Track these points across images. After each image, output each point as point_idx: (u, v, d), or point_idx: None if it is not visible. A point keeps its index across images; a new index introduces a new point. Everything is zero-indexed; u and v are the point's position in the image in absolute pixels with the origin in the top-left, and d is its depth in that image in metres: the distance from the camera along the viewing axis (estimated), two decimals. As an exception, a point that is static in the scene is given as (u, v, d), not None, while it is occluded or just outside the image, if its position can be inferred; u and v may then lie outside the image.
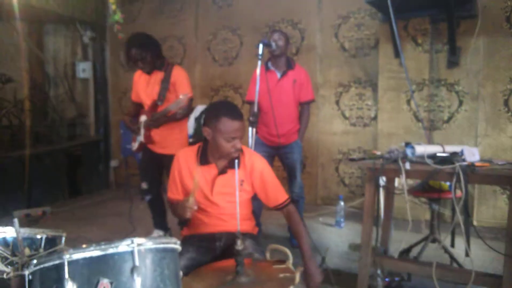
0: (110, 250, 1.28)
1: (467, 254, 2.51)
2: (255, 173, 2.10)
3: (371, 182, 2.49)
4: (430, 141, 4.01)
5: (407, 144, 2.39)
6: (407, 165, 2.28)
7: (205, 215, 2.13)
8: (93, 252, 1.27)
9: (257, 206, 2.79)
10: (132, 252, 1.29)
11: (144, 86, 3.38)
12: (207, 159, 2.09)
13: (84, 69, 5.98)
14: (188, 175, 2.11)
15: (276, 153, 3.58)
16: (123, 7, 4.88)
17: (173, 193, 2.18)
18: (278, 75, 3.44)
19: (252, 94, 3.24)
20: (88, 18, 5.84)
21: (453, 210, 2.69)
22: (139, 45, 3.18)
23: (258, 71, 3.12)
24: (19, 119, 5.41)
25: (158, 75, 3.31)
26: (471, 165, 2.17)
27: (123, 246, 1.29)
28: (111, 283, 1.25)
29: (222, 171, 2.08)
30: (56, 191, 5.41)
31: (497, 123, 3.95)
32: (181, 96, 3.06)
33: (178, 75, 3.29)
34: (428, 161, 2.26)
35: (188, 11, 5.64)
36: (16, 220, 1.50)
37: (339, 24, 4.74)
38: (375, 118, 4.57)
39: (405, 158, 2.34)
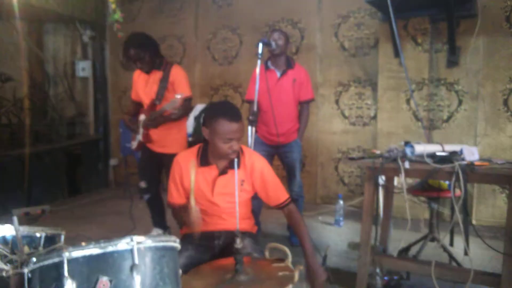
0: (110, 248, 1.28)
1: (466, 253, 2.52)
2: (255, 173, 2.10)
3: (370, 181, 2.49)
4: (429, 140, 4.01)
5: (407, 143, 2.40)
6: (407, 164, 2.28)
7: (205, 214, 2.13)
8: (93, 250, 1.27)
9: (256, 205, 2.79)
10: (131, 250, 1.30)
11: (143, 86, 3.38)
12: (208, 160, 2.09)
13: (83, 68, 5.98)
14: (190, 177, 2.11)
15: (276, 152, 3.58)
16: (123, 6, 4.88)
17: (174, 197, 2.17)
18: (278, 74, 3.44)
19: (252, 93, 3.24)
20: (87, 17, 5.84)
21: (452, 209, 2.69)
22: (138, 45, 3.18)
23: (257, 70, 3.11)
24: (19, 118, 5.41)
25: (157, 75, 3.30)
26: (471, 164, 2.17)
27: (123, 244, 1.29)
28: (111, 281, 1.25)
29: (222, 172, 2.08)
30: (56, 190, 5.41)
31: (496, 122, 3.95)
32: (176, 96, 3.06)
33: (177, 74, 3.29)
34: (428, 160, 2.26)
35: (188, 10, 5.64)
36: (15, 218, 1.50)
37: (339, 23, 4.75)
38: (374, 117, 4.57)
39: (404, 157, 2.35)
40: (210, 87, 5.57)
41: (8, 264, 1.45)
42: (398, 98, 4.25)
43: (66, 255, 1.25)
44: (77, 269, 1.26)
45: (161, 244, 1.39)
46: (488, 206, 4.03)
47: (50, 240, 1.75)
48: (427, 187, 2.75)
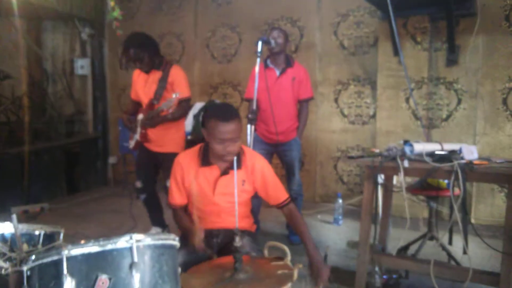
0: (109, 246, 1.28)
1: (464, 252, 2.52)
2: (256, 173, 2.11)
3: (369, 180, 2.49)
4: (428, 139, 4.01)
5: (406, 142, 2.40)
6: (406, 163, 2.28)
7: (204, 212, 2.14)
8: (92, 248, 1.27)
9: (255, 204, 2.80)
10: (130, 248, 1.30)
11: (142, 85, 3.38)
12: (209, 160, 2.09)
13: (82, 66, 5.97)
14: (192, 177, 2.11)
15: (275, 150, 3.58)
16: (122, 4, 4.87)
17: (175, 198, 2.17)
18: (277, 72, 3.43)
19: (251, 92, 3.24)
20: (86, 15, 5.83)
21: (451, 208, 2.69)
22: (137, 45, 3.18)
23: (257, 68, 3.11)
24: (17, 116, 5.40)
25: (156, 74, 3.30)
26: (470, 163, 2.17)
27: (122, 242, 1.30)
28: (110, 279, 1.26)
29: (224, 172, 2.09)
30: (54, 188, 5.40)
31: (495, 121, 3.95)
32: (173, 95, 3.06)
33: (176, 74, 3.29)
34: (427, 159, 2.26)
35: (187, 8, 5.63)
36: (14, 216, 1.50)
37: (338, 22, 4.74)
38: (373, 116, 4.57)
39: (403, 156, 2.35)
40: (209, 85, 5.56)
41: (7, 262, 1.45)
42: (397, 96, 4.25)
43: (65, 253, 1.25)
44: (76, 267, 1.26)
45: (160, 242, 1.39)
46: (487, 205, 4.03)
47: (49, 238, 1.74)
48: (426, 186, 2.75)
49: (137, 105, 3.49)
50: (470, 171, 2.15)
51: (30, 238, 1.70)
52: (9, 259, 1.49)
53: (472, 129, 4.05)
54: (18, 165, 4.81)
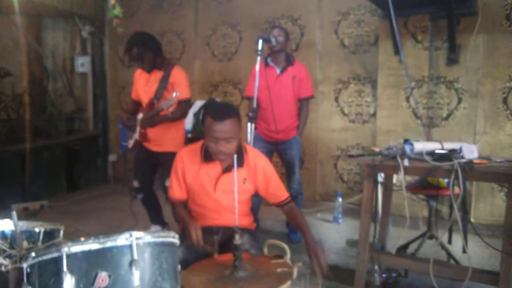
0: (109, 244, 1.28)
1: (464, 251, 2.53)
2: (258, 172, 2.12)
3: (369, 179, 2.49)
4: (428, 138, 4.01)
5: (406, 141, 2.39)
6: (406, 162, 2.28)
7: (204, 208, 2.14)
8: (92, 245, 1.27)
9: (255, 202, 2.80)
10: (130, 246, 1.30)
11: (143, 85, 3.38)
12: (211, 156, 2.10)
13: (82, 64, 5.97)
14: (193, 173, 2.11)
15: (275, 149, 3.57)
16: (122, 2, 4.85)
17: (175, 191, 2.18)
18: (278, 71, 3.43)
19: (251, 90, 3.24)
20: (87, 12, 5.82)
21: (451, 207, 2.70)
22: (141, 44, 3.18)
23: (257, 67, 3.11)
24: (18, 113, 5.40)
25: (158, 74, 3.31)
26: (470, 162, 2.17)
27: (122, 239, 1.30)
28: (110, 276, 1.26)
29: (226, 170, 2.09)
30: (54, 185, 5.41)
31: (495, 120, 3.95)
32: (173, 94, 3.06)
33: (177, 75, 3.29)
34: (427, 158, 2.26)
35: (188, 6, 5.62)
36: (14, 213, 1.50)
37: (339, 20, 4.74)
38: (374, 114, 4.57)
39: (403, 155, 2.34)
40: (209, 83, 5.56)
41: (7, 259, 1.45)
42: (397, 95, 4.25)
43: (65, 250, 1.25)
44: (76, 264, 1.26)
45: (160, 239, 1.39)
46: (487, 204, 4.03)
47: (49, 235, 1.75)
48: (426, 185, 2.75)
49: (137, 105, 3.50)
50: (470, 170, 2.15)
51: (30, 235, 1.70)
52: (9, 256, 1.49)
53: (472, 128, 4.05)
54: (18, 162, 4.82)
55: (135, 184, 3.46)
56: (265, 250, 1.88)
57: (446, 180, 2.68)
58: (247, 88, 3.57)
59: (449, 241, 3.09)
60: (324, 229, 3.95)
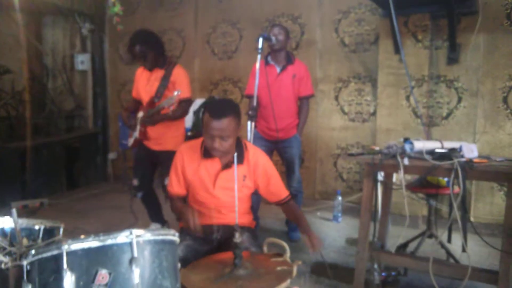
0: (109, 241, 1.28)
1: (463, 250, 2.52)
2: (258, 170, 2.12)
3: (369, 177, 2.50)
4: (428, 137, 4.01)
5: (406, 140, 2.40)
6: (406, 161, 2.28)
7: (204, 207, 2.14)
8: (92, 243, 1.27)
9: (255, 200, 2.80)
10: (130, 244, 1.30)
11: (144, 83, 3.38)
12: (210, 152, 2.10)
13: (82, 61, 5.96)
14: (193, 169, 2.11)
15: (275, 147, 3.58)
16: (123, -1, 4.86)
17: (173, 187, 2.18)
18: (278, 69, 3.43)
19: (252, 88, 3.24)
20: (87, 10, 5.82)
21: (451, 206, 2.69)
22: (144, 42, 3.18)
23: (257, 65, 3.11)
24: (17, 111, 5.40)
25: (159, 73, 3.30)
26: (469, 162, 2.18)
27: (122, 237, 1.30)
28: (110, 274, 1.26)
29: (226, 166, 2.09)
30: (54, 183, 5.41)
31: (495, 120, 3.95)
32: (174, 93, 3.06)
33: (179, 74, 3.29)
34: (427, 157, 2.26)
35: (188, 4, 5.61)
36: (14, 211, 1.50)
37: (339, 19, 4.73)
38: (374, 113, 4.57)
39: (403, 153, 2.35)
40: (209, 81, 5.55)
41: (7, 256, 1.45)
42: (397, 94, 4.25)
43: (65, 247, 1.25)
44: (76, 261, 1.26)
45: (160, 237, 1.39)
46: (486, 204, 4.04)
47: (49, 232, 1.74)
48: (425, 184, 2.75)
49: (137, 103, 3.49)
50: (470, 169, 2.15)
51: (30, 233, 1.69)
52: (9, 254, 1.49)
53: (472, 128, 4.05)
54: (18, 160, 4.81)
55: (135, 182, 3.46)
56: (265, 249, 1.88)
57: (445, 179, 2.68)
58: (247, 86, 3.57)
59: (449, 240, 3.08)
60: (323, 227, 3.96)
